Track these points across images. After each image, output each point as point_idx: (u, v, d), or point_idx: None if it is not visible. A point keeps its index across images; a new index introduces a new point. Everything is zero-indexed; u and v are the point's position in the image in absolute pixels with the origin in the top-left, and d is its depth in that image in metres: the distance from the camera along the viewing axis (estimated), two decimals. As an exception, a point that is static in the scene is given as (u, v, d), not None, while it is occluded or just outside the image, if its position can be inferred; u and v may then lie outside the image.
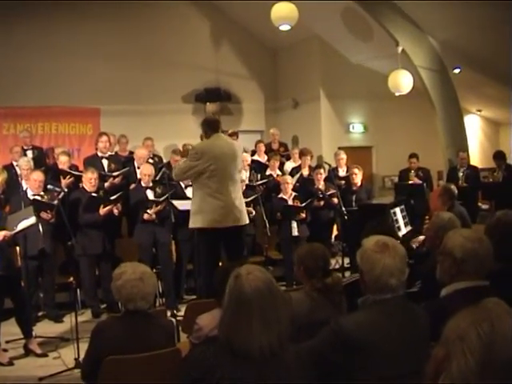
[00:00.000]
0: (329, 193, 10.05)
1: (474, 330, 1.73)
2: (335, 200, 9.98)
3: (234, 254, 6.94)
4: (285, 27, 10.43)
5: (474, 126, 16.13)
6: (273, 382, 2.48)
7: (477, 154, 15.58)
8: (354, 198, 10.34)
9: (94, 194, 8.64)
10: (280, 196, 10.00)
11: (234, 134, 12.23)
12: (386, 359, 2.86)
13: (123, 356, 3.59)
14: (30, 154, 10.88)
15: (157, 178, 9.19)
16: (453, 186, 8.45)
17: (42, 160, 10.94)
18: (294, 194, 9.99)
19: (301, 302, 3.94)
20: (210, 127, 7.01)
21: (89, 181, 8.65)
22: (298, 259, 4.14)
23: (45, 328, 7.98)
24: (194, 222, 6.90)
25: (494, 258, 3.94)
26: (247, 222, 7.11)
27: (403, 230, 8.12)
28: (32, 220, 6.80)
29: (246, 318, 2.48)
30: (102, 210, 8.40)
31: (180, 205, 8.43)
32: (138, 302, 3.77)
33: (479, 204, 11.98)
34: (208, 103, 14.20)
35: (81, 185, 9.15)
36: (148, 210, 8.64)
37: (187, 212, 8.38)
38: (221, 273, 4.09)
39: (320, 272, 3.99)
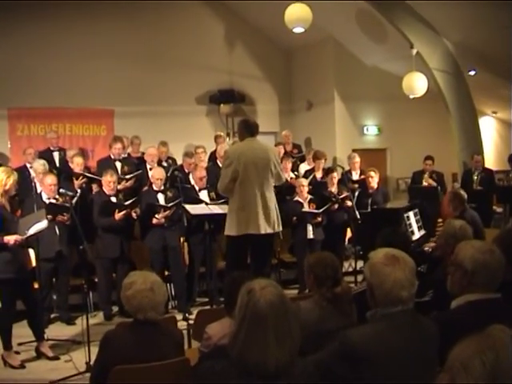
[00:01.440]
0: (342, 196, 9.98)
1: (478, 358, 1.71)
2: (349, 203, 9.93)
3: (257, 262, 6.95)
4: (298, 30, 10.39)
5: (490, 127, 16.03)
6: None
7: (492, 157, 15.48)
8: (369, 201, 10.27)
9: (113, 199, 8.67)
10: (296, 199, 9.93)
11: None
12: (393, 373, 2.84)
13: (132, 365, 3.58)
14: (56, 155, 10.97)
15: (167, 185, 9.18)
16: (462, 191, 8.39)
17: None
18: (309, 197, 9.93)
19: (310, 311, 3.92)
20: (248, 130, 6.93)
21: (108, 184, 8.66)
22: (307, 267, 4.12)
23: (57, 330, 8.01)
24: (226, 229, 6.87)
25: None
26: (279, 229, 6.97)
27: (417, 235, 8.09)
28: (44, 224, 6.79)
29: (262, 334, 2.44)
30: (118, 215, 8.41)
31: (192, 209, 8.39)
32: (149, 312, 3.74)
33: (494, 207, 11.88)
34: (222, 105, 14.19)
35: (94, 187, 9.18)
36: (156, 215, 8.64)
37: (200, 215, 8.43)
38: (230, 283, 4.08)
39: (330, 281, 3.97)
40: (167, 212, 8.62)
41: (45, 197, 8.08)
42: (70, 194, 8.15)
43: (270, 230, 6.77)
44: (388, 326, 2.96)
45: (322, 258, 4.12)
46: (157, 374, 3.60)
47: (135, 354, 3.65)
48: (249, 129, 6.94)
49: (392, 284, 2.98)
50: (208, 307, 8.15)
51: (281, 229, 7.04)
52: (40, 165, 9.04)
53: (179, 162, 11.04)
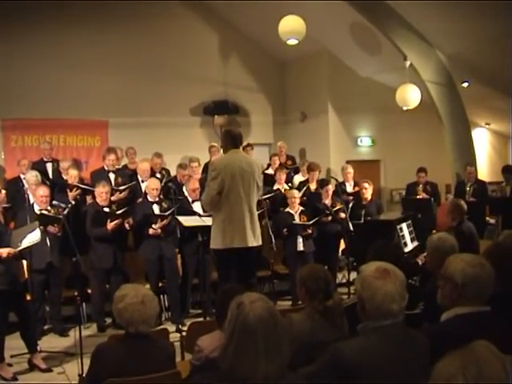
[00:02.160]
0: (335, 208, 10.00)
1: (461, 374, 1.73)
2: (342, 215, 9.96)
3: (242, 275, 6.88)
4: (292, 41, 10.46)
5: (483, 139, 16.09)
6: None
7: (485, 168, 15.55)
8: (363, 212, 10.28)
9: (106, 209, 8.68)
10: (287, 210, 9.96)
11: (249, 146, 12.24)
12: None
13: (123, 378, 3.59)
14: (49, 166, 10.96)
15: (161, 196, 9.18)
16: (463, 202, 8.44)
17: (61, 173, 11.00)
18: (300, 208, 9.96)
19: (302, 323, 3.94)
20: (232, 141, 6.83)
21: (99, 195, 8.69)
22: (299, 280, 4.14)
23: (50, 342, 8.02)
24: (212, 242, 6.83)
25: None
26: (260, 243, 6.94)
27: (409, 246, 8.11)
28: (37, 237, 6.79)
29: (251, 347, 2.48)
30: (110, 225, 8.44)
31: (185, 221, 8.41)
32: (140, 325, 3.75)
33: (487, 219, 11.91)
34: (216, 116, 14.20)
35: (88, 198, 9.16)
36: (153, 225, 8.65)
37: (193, 226, 8.44)
38: (221, 296, 4.09)
39: (321, 294, 3.98)
40: (164, 221, 8.65)
41: (37, 208, 8.07)
42: (63, 205, 8.16)
43: (255, 243, 6.78)
44: (378, 338, 2.98)
45: (314, 271, 4.14)
46: (148, 386, 3.61)
47: (126, 366, 3.66)
48: (233, 140, 6.85)
49: (383, 297, 3.01)
50: (201, 319, 8.15)
51: (260, 243, 6.99)
52: (32, 176, 9.01)
53: (173, 173, 11.04)
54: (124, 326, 3.82)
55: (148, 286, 8.76)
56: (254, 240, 6.77)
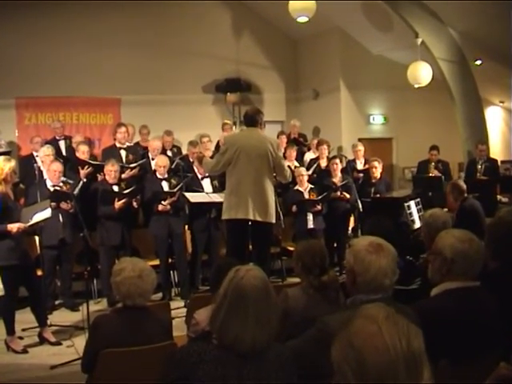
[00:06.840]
0: (341, 184, 10.03)
1: (344, 361, 1.75)
2: (347, 195, 10.00)
3: (257, 251, 7.12)
4: (302, 19, 10.42)
5: (497, 117, 15.97)
6: (252, 382, 2.55)
7: (499, 146, 15.44)
8: (372, 190, 10.29)
9: (115, 187, 8.76)
10: (296, 188, 10.01)
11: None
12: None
13: (119, 349, 3.67)
14: (62, 143, 11.01)
15: (171, 170, 9.25)
16: (461, 182, 8.44)
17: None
18: (310, 186, 10.00)
19: (297, 298, 4.00)
20: (245, 121, 7.17)
21: (108, 173, 8.76)
22: (296, 255, 4.19)
23: (61, 316, 8.15)
24: (223, 213, 7.02)
25: (491, 256, 3.97)
26: (271, 220, 6.98)
27: (417, 224, 8.13)
28: (47, 213, 6.87)
29: (241, 310, 2.57)
30: (117, 204, 8.50)
31: (192, 197, 8.50)
32: (137, 298, 3.83)
33: (499, 197, 11.84)
34: (228, 93, 14.19)
35: (99, 176, 9.23)
36: (162, 202, 8.73)
37: (202, 203, 8.54)
38: (216, 270, 4.17)
39: (317, 269, 4.04)
40: (173, 198, 8.73)
41: (49, 184, 8.18)
42: (71, 182, 8.25)
43: (259, 218, 6.79)
44: (366, 312, 3.01)
45: (311, 247, 4.19)
46: (143, 357, 3.69)
47: (123, 338, 3.74)
48: (247, 119, 7.13)
49: (376, 272, 3.04)
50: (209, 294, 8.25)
51: (273, 220, 7.02)
52: (48, 148, 9.05)
53: (185, 151, 11.09)
54: (121, 300, 3.91)
55: (158, 261, 8.92)
56: (259, 215, 6.81)
